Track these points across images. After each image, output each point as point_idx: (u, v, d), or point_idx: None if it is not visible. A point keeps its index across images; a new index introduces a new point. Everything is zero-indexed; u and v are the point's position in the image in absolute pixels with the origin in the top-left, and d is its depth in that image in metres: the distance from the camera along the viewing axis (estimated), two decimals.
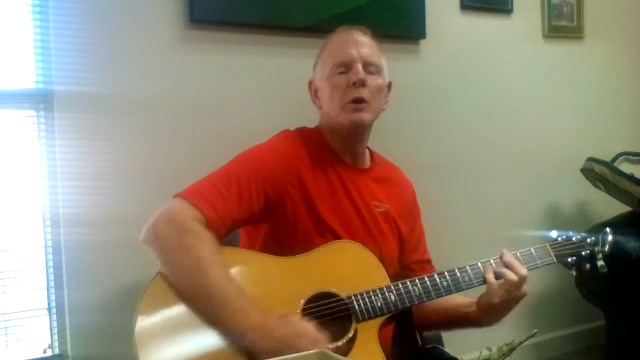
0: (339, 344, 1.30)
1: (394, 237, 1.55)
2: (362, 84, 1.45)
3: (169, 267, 1.28)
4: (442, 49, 2.50)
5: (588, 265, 1.54)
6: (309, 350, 1.01)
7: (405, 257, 1.57)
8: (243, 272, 1.34)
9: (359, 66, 1.46)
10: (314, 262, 1.39)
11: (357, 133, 1.52)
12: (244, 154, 1.47)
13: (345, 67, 1.47)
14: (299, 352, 1.01)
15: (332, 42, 1.54)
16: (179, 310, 1.25)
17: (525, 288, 1.42)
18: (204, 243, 1.28)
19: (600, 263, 1.52)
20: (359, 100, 1.46)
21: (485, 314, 1.45)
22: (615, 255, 1.54)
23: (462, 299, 1.52)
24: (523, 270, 1.42)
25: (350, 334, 1.32)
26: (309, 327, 1.23)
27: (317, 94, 1.56)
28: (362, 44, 1.50)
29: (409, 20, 2.39)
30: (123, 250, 1.76)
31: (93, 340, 1.81)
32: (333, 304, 1.34)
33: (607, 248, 1.53)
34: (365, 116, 1.47)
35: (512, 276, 1.40)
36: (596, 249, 1.54)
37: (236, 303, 1.23)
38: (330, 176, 1.49)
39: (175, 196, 1.35)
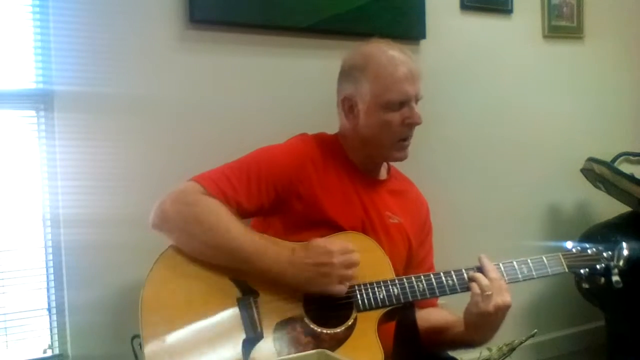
0: (338, 330, 1.34)
1: (405, 248, 1.56)
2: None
3: (187, 239, 1.33)
4: (442, 49, 2.50)
5: (603, 280, 1.51)
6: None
7: (411, 269, 1.57)
8: None
9: (416, 107, 1.49)
10: None
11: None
12: (258, 150, 1.50)
13: (401, 104, 1.48)
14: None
15: (384, 68, 1.49)
16: (191, 280, 1.32)
17: (506, 297, 1.38)
18: (215, 207, 1.34)
19: (615, 278, 1.50)
20: (408, 137, 1.52)
21: (472, 328, 1.42)
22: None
23: (453, 317, 1.50)
24: (494, 274, 1.39)
25: (350, 322, 1.35)
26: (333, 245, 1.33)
27: (352, 109, 1.53)
28: (417, 77, 1.50)
29: (409, 20, 2.39)
30: (123, 250, 1.76)
31: (93, 340, 1.81)
32: None
33: (622, 263, 1.50)
34: (408, 152, 1.55)
35: (483, 280, 1.38)
36: (612, 263, 1.51)
37: (265, 247, 1.32)
38: (345, 183, 1.51)
39: (187, 180, 1.40)
